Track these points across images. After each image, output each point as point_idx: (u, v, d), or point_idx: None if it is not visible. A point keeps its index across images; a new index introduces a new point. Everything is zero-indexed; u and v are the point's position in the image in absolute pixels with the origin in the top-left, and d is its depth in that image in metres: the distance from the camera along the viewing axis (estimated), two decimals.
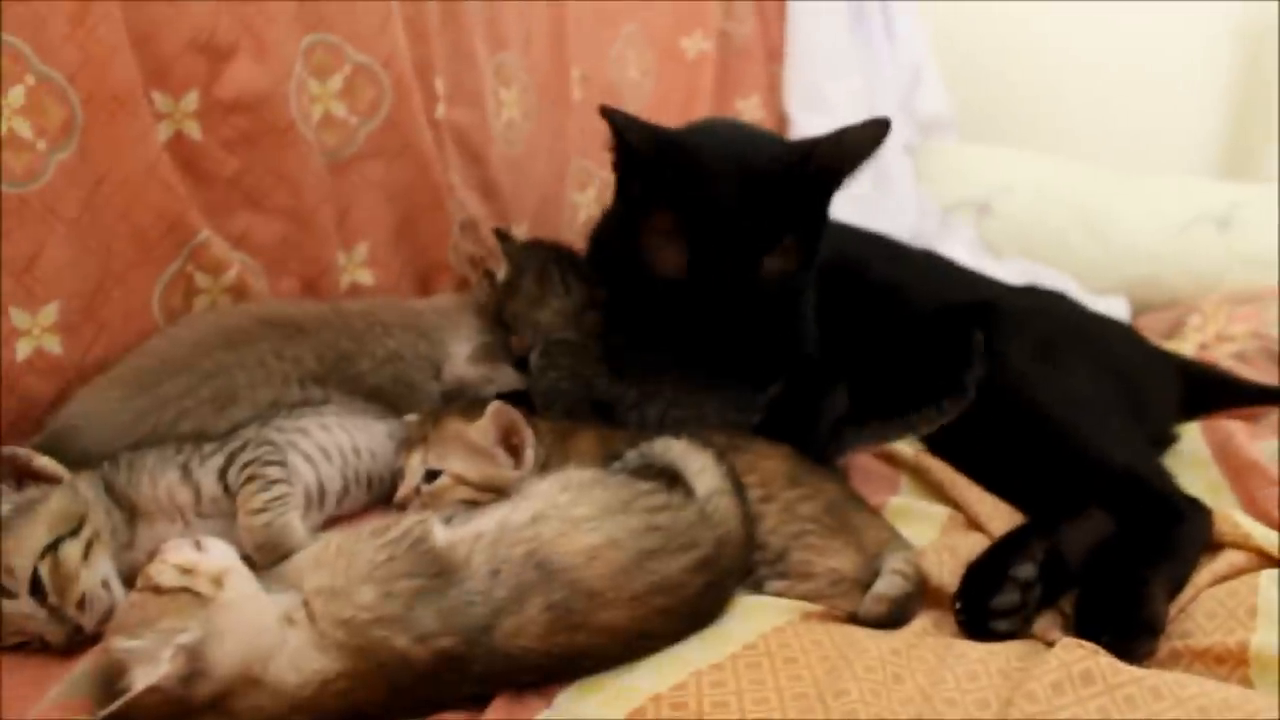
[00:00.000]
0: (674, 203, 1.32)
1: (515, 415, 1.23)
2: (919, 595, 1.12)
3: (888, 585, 1.09)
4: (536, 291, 1.48)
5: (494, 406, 1.22)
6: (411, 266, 1.67)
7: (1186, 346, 2.00)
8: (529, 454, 1.23)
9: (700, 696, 0.92)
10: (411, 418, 1.33)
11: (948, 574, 1.15)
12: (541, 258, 1.52)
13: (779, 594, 1.11)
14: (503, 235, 1.57)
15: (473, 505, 1.19)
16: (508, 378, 1.50)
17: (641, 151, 1.32)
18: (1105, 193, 2.58)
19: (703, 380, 1.38)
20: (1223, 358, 1.90)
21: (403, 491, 1.24)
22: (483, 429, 1.23)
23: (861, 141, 1.33)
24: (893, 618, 1.08)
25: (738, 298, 1.32)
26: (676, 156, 1.32)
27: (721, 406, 1.36)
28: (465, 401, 1.34)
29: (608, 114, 1.32)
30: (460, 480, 1.22)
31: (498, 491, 1.20)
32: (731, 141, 1.39)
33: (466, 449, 1.23)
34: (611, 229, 1.52)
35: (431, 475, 1.23)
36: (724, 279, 1.31)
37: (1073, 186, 2.62)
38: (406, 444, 1.28)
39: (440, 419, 1.26)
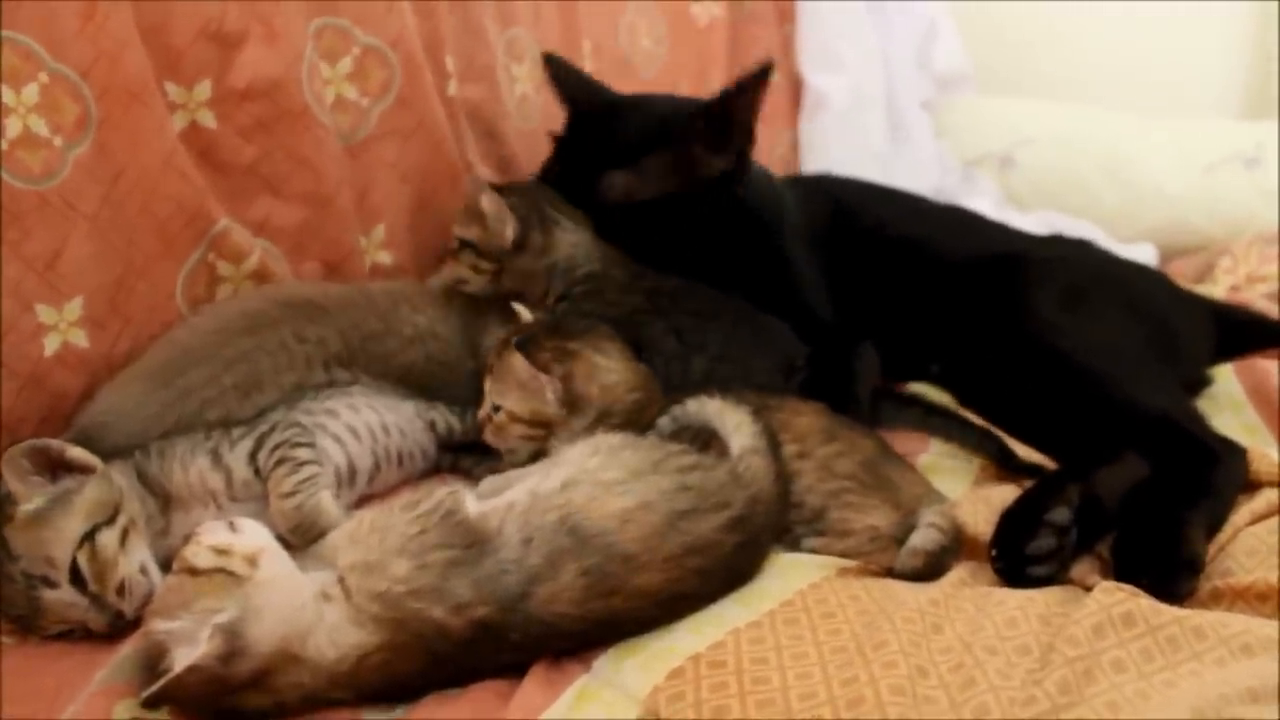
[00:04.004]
0: None
1: (528, 363, 1.20)
2: (955, 548, 1.12)
3: (923, 539, 1.09)
4: (543, 239, 1.44)
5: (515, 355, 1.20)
6: (429, 246, 1.66)
7: (1218, 289, 1.98)
8: (549, 393, 1.20)
9: (739, 654, 0.92)
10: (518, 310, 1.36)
11: (982, 523, 1.15)
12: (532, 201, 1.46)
13: (816, 551, 1.12)
14: (501, 189, 1.46)
15: (531, 442, 1.21)
16: None
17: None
18: (1128, 138, 2.55)
19: (750, 339, 1.38)
20: (1255, 298, 1.88)
21: (482, 413, 1.25)
22: (523, 364, 1.21)
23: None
24: (929, 571, 1.08)
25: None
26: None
27: (769, 368, 1.36)
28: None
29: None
30: (513, 418, 1.22)
31: (548, 428, 1.20)
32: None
33: (518, 384, 1.21)
34: None
35: (497, 407, 1.24)
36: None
37: (1095, 134, 2.58)
38: (487, 366, 1.27)
39: (504, 349, 1.24)
